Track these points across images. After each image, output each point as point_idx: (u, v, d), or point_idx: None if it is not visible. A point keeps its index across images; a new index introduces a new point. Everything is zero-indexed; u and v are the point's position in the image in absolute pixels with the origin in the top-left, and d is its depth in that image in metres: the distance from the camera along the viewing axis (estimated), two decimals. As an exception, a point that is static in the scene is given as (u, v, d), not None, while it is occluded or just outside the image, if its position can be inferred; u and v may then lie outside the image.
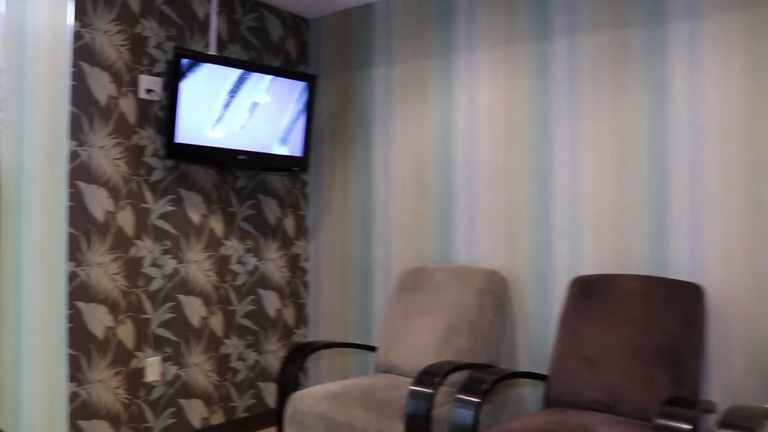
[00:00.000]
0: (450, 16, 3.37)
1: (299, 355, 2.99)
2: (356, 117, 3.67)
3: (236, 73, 3.26)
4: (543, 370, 3.03)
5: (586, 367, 2.56)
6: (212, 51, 3.43)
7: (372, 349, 3.27)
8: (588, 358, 2.57)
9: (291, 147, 3.50)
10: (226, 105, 3.24)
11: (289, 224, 3.84)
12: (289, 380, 2.93)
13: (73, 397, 2.90)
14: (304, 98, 3.51)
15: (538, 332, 3.05)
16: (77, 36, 2.96)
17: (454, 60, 3.35)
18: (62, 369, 2.91)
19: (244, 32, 3.61)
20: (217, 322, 3.47)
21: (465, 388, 2.33)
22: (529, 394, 3.08)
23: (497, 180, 3.19)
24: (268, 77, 3.37)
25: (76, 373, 2.92)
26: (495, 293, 3.05)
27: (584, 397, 2.52)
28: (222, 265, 3.50)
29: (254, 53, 3.66)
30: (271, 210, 3.75)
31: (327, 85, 3.83)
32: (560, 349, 2.66)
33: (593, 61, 2.92)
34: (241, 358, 3.57)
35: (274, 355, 3.72)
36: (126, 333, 3.10)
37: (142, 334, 3.16)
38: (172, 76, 3.09)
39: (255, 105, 3.34)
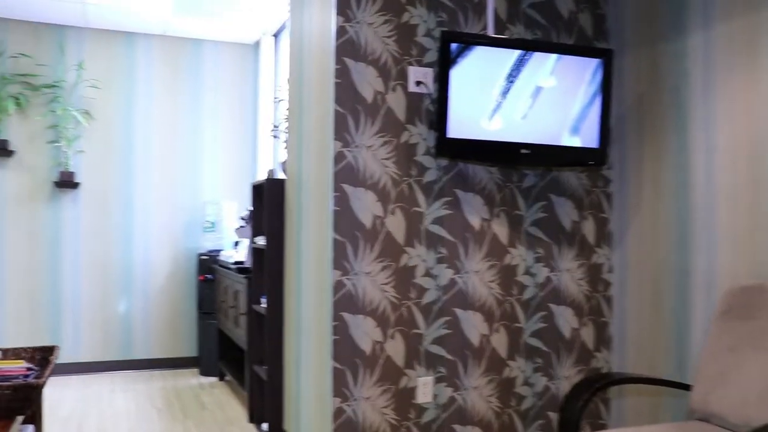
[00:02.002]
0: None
1: (589, 388, 2.41)
2: (667, 97, 2.90)
3: (514, 54, 2.78)
4: None
5: None
6: (490, 34, 3.00)
7: (686, 387, 2.52)
8: None
9: (584, 137, 2.90)
10: (504, 92, 2.79)
11: (589, 229, 3.22)
12: (572, 418, 2.37)
13: (338, 413, 2.74)
14: (598, 78, 2.89)
15: None
16: (340, 32, 2.79)
17: (809, 3, 2.40)
18: (328, 383, 2.78)
19: (527, 10, 3.11)
20: (500, 341, 3.04)
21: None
22: None
23: None
24: (553, 56, 2.83)
25: (341, 388, 2.76)
26: None
27: None
28: (507, 276, 3.06)
29: (540, 32, 3.13)
30: (566, 212, 3.19)
31: (630, 63, 3.12)
32: None
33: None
34: (528, 383, 3.09)
35: (568, 382, 3.15)
36: (396, 349, 2.85)
37: (414, 350, 2.88)
38: (440, 63, 2.75)
39: (538, 90, 2.83)
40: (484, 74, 2.77)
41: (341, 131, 2.80)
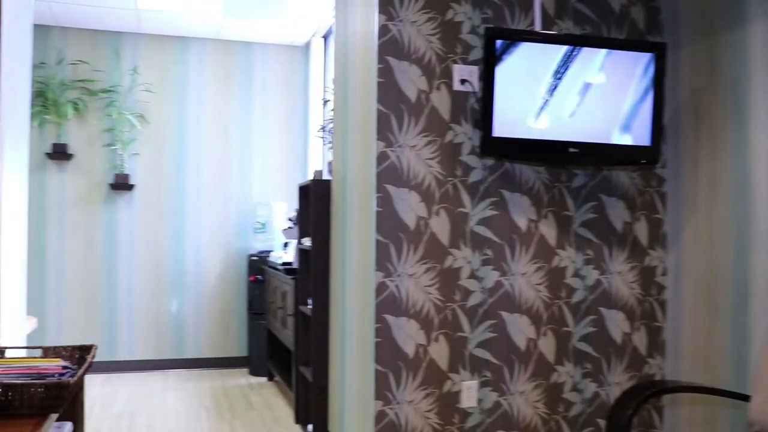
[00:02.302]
0: None
1: (639, 395, 2.32)
2: (725, 90, 2.77)
3: (561, 50, 2.70)
4: None
5: None
6: (537, 30, 2.93)
7: (745, 398, 2.40)
8: None
9: (636, 135, 2.79)
10: (551, 89, 2.72)
11: (641, 230, 3.11)
12: (620, 425, 2.28)
13: (380, 416, 2.71)
14: (650, 73, 2.78)
15: None
16: (383, 30, 2.76)
17: None
18: (370, 386, 2.75)
19: (576, 4, 3.02)
20: (547, 345, 2.96)
21: None
22: None
23: None
24: (602, 51, 2.73)
25: (383, 391, 2.72)
26: None
27: None
28: (555, 278, 2.98)
29: (590, 27, 3.04)
30: (618, 213, 3.08)
31: (685, 56, 2.99)
32: None
33: None
34: (576, 389, 2.99)
35: (619, 388, 3.04)
36: (439, 352, 2.81)
37: (458, 354, 2.83)
38: (485, 61, 2.69)
39: (587, 86, 2.74)
40: (530, 71, 2.69)
41: (384, 131, 2.77)
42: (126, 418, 4.12)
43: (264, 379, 5.25)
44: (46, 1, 4.89)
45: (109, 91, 5.47)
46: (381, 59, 2.76)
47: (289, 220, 4.69)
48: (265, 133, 5.87)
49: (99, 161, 5.51)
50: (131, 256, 5.56)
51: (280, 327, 4.66)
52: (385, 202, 2.77)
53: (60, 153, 5.37)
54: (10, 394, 1.36)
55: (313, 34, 5.65)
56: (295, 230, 4.46)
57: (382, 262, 2.76)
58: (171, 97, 5.67)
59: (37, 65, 5.34)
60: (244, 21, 5.27)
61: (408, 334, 2.77)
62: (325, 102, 4.60)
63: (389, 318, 2.75)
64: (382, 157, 2.77)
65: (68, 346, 1.84)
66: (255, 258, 5.53)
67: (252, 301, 5.51)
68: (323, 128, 4.44)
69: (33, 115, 5.30)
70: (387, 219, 2.77)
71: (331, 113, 3.87)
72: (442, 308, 2.82)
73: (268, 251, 5.51)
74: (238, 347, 5.74)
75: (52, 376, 1.52)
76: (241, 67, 5.83)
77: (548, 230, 2.98)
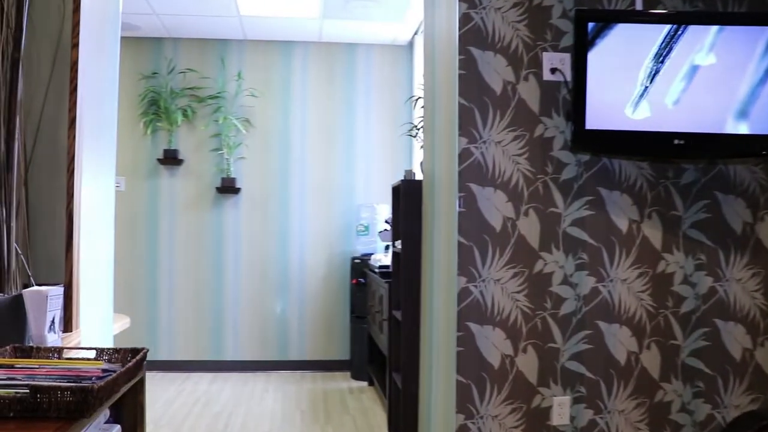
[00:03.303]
0: None
1: (760, 420, 2.03)
2: None
3: (663, 30, 2.42)
4: None
5: None
6: (639, 8, 2.65)
7: None
8: None
9: (755, 122, 2.46)
10: (652, 75, 2.44)
11: (765, 232, 2.74)
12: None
13: (462, 430, 2.53)
14: (772, 50, 2.43)
15: None
16: (464, 19, 2.59)
17: None
18: (451, 397, 2.58)
19: (685, -24, 2.71)
20: (651, 360, 2.67)
21: None
22: None
23: None
24: (712, 29, 2.42)
25: (465, 404, 2.55)
26: None
27: None
28: (661, 285, 2.68)
29: (702, 3, 2.72)
30: (736, 212, 2.73)
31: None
32: None
33: None
34: (686, 410, 2.68)
35: (738, 412, 2.69)
36: (528, 364, 2.59)
37: (549, 366, 2.60)
38: (576, 46, 2.46)
39: (694, 69, 2.44)
40: (626, 56, 2.43)
41: (467, 126, 2.60)
42: (224, 417, 4.17)
43: (365, 384, 5.18)
44: (157, 15, 5.08)
45: (216, 97, 5.60)
46: (462, 50, 2.60)
47: (386, 222, 4.59)
48: (368, 134, 5.81)
49: (207, 166, 5.66)
50: (237, 258, 5.67)
51: (378, 331, 4.57)
52: (468, 203, 2.60)
53: (171, 158, 5.56)
54: (38, 395, 1.33)
55: (416, 32, 5.53)
56: (389, 232, 4.35)
57: (465, 266, 2.59)
58: (275, 100, 5.74)
59: (150, 75, 5.57)
60: (344, 22, 5.23)
61: (493, 344, 2.58)
62: (416, 99, 4.47)
63: (473, 326, 2.57)
64: (464, 154, 2.60)
65: (122, 349, 1.81)
66: (357, 261, 5.47)
67: (354, 304, 5.46)
68: (415, 127, 4.31)
69: (146, 123, 5.54)
70: (470, 220, 2.60)
71: (422, 111, 3.73)
72: (531, 316, 2.61)
73: (370, 254, 5.45)
74: (340, 350, 5.71)
75: (89, 379, 1.48)
76: (344, 68, 5.81)
77: (652, 232, 2.68)
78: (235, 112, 5.63)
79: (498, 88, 2.61)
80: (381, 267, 4.47)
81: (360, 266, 5.43)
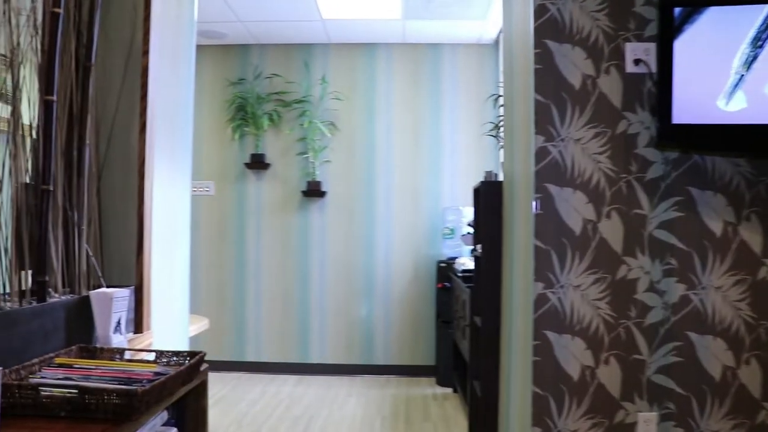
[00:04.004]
0: None
1: None
2: None
3: (762, 11, 2.20)
4: None
5: None
6: (735, -9, 2.43)
7: None
8: None
9: None
10: (748, 62, 2.22)
11: None
12: None
13: (538, 446, 2.40)
14: None
15: None
16: (539, 11, 2.46)
17: None
18: (528, 409, 2.44)
19: (788, -47, 2.46)
20: (750, 376, 2.43)
21: None
22: None
23: None
24: (819, 9, 2.18)
25: (542, 417, 2.41)
26: None
27: None
28: (762, 294, 2.44)
29: (808, -19, 2.46)
30: None
31: None
32: None
33: None
34: (792, 433, 2.43)
35: None
36: (610, 376, 2.42)
37: (633, 379, 2.42)
38: (660, 34, 2.28)
39: (799, 56, 2.21)
40: (718, 42, 2.23)
41: (543, 123, 2.46)
42: (304, 421, 4.18)
43: (449, 391, 5.07)
44: (242, 23, 5.18)
45: (301, 101, 5.65)
46: (538, 43, 2.46)
47: (468, 225, 4.47)
48: (454, 135, 5.70)
49: (293, 169, 5.72)
50: (323, 261, 5.70)
51: (461, 337, 4.45)
52: (545, 204, 2.46)
53: (257, 162, 5.65)
54: (86, 397, 1.33)
55: (501, 30, 5.38)
56: (471, 236, 4.23)
57: (542, 271, 2.45)
58: (360, 103, 5.73)
59: (237, 82, 5.69)
60: (426, 22, 5.15)
61: (572, 354, 2.43)
62: (497, 98, 4.32)
63: (550, 334, 2.43)
64: (541, 153, 2.46)
65: (183, 352, 1.80)
66: (443, 264, 5.37)
67: (440, 308, 5.36)
68: (496, 126, 4.17)
69: (234, 129, 5.66)
70: (548, 223, 2.46)
71: (502, 110, 3.61)
72: (614, 326, 2.43)
73: (456, 258, 5.33)
74: (426, 356, 5.62)
75: (139, 382, 1.47)
76: (428, 69, 5.72)
77: (752, 235, 2.45)
78: (320, 115, 5.66)
79: (576, 82, 2.46)
80: (464, 271, 4.36)
81: (445, 270, 5.32)
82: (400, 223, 5.69)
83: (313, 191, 5.64)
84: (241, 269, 5.71)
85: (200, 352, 1.79)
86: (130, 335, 2.22)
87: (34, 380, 1.51)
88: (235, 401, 4.63)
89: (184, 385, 1.69)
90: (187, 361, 1.75)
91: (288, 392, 4.94)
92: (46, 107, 1.83)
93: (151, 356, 1.82)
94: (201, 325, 3.27)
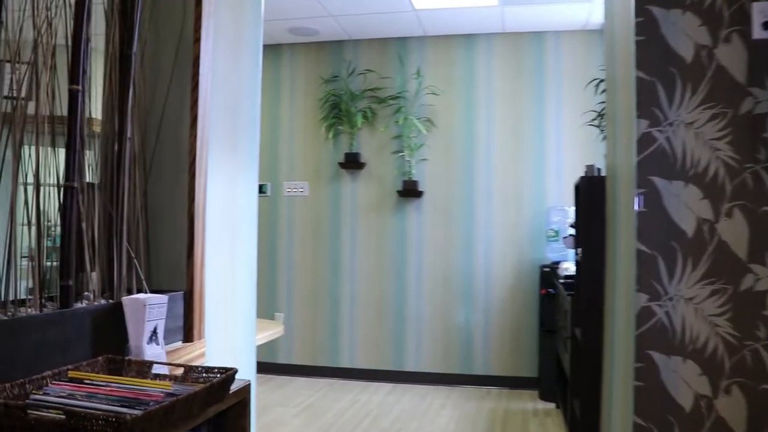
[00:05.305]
0: None
1: None
2: None
3: None
4: None
5: None
6: None
7: None
8: None
9: None
10: None
11: None
12: None
13: (641, 489, 2.01)
14: None
15: None
16: (641, -30, 2.08)
17: None
18: (627, 445, 2.06)
19: None
20: None
21: None
22: None
23: None
24: None
25: (646, 456, 2.02)
26: None
27: None
28: None
29: None
30: None
31: None
32: None
33: None
34: None
35: None
36: (733, 409, 2.00)
37: (763, 414, 1.99)
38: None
39: None
40: None
41: (647, 105, 2.08)
42: (392, 434, 3.93)
43: (552, 406, 4.67)
44: (333, 17, 5.01)
45: (396, 97, 5.42)
46: (639, 10, 2.08)
47: (570, 226, 4.06)
48: (559, 129, 5.27)
49: (388, 168, 5.49)
50: (420, 264, 5.43)
51: (563, 349, 4.05)
52: (650, 200, 2.07)
53: (352, 162, 5.48)
54: (73, 421, 1.14)
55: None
56: (573, 238, 3.83)
57: (647, 279, 2.06)
58: (458, 98, 5.42)
59: (330, 79, 5.54)
60: (526, 8, 4.78)
61: (683, 380, 2.03)
62: (598, 83, 3.87)
63: (656, 356, 2.04)
64: (645, 141, 2.08)
65: (214, 368, 1.59)
66: (547, 269, 4.97)
67: (543, 316, 4.96)
68: (599, 114, 3.74)
69: (327, 127, 5.50)
70: (653, 223, 2.07)
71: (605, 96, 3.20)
72: (738, 348, 2.01)
73: (560, 262, 4.91)
74: (528, 367, 5.23)
75: (146, 403, 1.27)
76: (531, 59, 5.33)
77: None
78: (416, 112, 5.41)
79: (688, 54, 2.06)
80: (566, 277, 3.97)
81: (549, 275, 4.92)
82: (500, 224, 5.33)
83: (410, 191, 5.39)
84: (335, 272, 5.55)
85: (232, 369, 1.57)
86: (178, 344, 2.05)
87: (35, 397, 1.35)
88: (322, 410, 4.45)
89: (207, 406, 1.48)
90: (218, 377, 1.53)
91: (378, 402, 4.71)
92: (71, 97, 1.67)
93: (178, 371, 1.62)
94: (274, 332, 3.10)
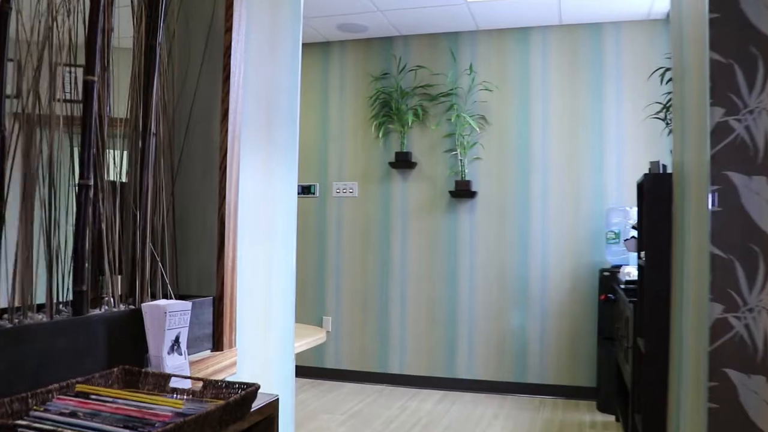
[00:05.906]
0: None
1: None
2: None
3: None
4: None
5: None
6: None
7: None
8: None
9: None
10: None
11: None
12: None
13: None
14: None
15: None
16: (716, -61, 1.85)
17: None
18: (701, 474, 1.84)
19: None
20: None
21: None
22: None
23: None
24: None
25: (722, 487, 1.79)
26: None
27: None
28: None
29: None
30: None
31: None
32: None
33: None
34: None
35: None
36: (824, 435, 1.76)
37: None
38: None
39: None
40: None
41: (722, 91, 1.85)
42: (441, 446, 3.75)
43: (611, 419, 4.40)
44: (381, 12, 4.86)
45: (448, 94, 5.23)
46: (714, -16, 1.86)
47: (633, 228, 3.80)
48: (620, 127, 4.99)
49: (440, 168, 5.31)
50: (473, 268, 5.23)
51: (623, 359, 3.79)
52: (726, 199, 1.84)
53: (402, 161, 5.31)
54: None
55: None
56: (635, 241, 3.57)
57: (722, 288, 1.83)
58: (512, 94, 5.20)
59: (380, 76, 5.39)
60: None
61: (766, 403, 1.79)
62: (664, 72, 3.59)
63: (733, 374, 1.81)
64: (720, 131, 1.85)
65: (237, 384, 1.45)
66: (607, 273, 4.70)
67: (602, 323, 4.69)
68: (665, 107, 3.47)
69: (377, 126, 5.35)
70: (730, 223, 1.84)
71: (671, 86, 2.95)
72: (830, 366, 1.76)
73: (621, 266, 4.63)
74: (586, 376, 4.96)
75: (152, 424, 1.13)
76: (590, 52, 5.06)
77: None
78: (468, 109, 5.21)
79: (771, 33, 1.82)
80: (627, 282, 3.71)
81: (609, 280, 4.65)
82: (557, 226, 5.08)
83: (462, 191, 5.19)
84: (385, 274, 5.39)
85: (254, 385, 1.42)
86: (207, 353, 1.92)
87: (35, 414, 1.23)
88: (369, 418, 4.30)
89: (224, 426, 1.34)
90: (239, 393, 1.39)
91: (428, 410, 4.52)
92: (85, 89, 1.56)
93: (197, 385, 1.49)
94: (316, 338, 2.96)
